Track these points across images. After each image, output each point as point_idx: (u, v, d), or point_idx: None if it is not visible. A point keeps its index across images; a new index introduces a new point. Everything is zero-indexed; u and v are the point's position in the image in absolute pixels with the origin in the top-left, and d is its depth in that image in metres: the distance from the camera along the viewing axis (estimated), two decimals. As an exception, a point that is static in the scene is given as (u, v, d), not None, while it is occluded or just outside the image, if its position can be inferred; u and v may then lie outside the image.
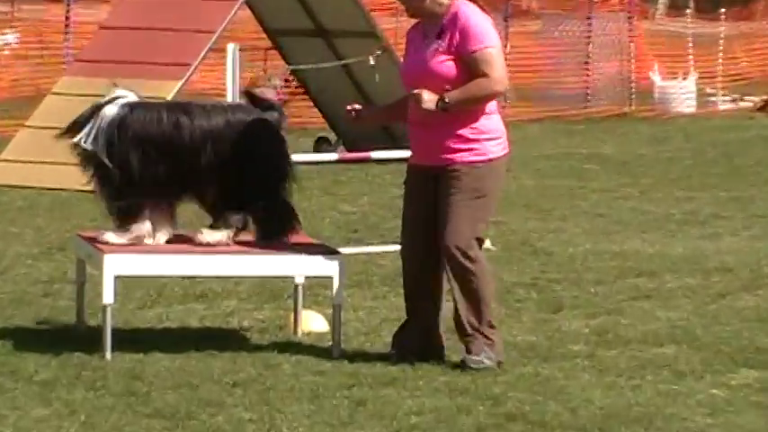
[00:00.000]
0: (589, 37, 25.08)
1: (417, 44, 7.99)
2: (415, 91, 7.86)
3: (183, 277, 9.59)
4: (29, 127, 15.43)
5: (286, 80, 19.82)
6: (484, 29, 7.83)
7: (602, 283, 10.70)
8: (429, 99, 7.76)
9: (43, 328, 8.96)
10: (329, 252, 8.41)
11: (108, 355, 8.02)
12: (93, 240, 8.41)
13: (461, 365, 7.85)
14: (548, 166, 17.87)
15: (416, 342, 8.01)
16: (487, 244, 10.63)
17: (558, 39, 25.91)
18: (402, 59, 8.63)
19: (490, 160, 7.93)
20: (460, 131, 7.89)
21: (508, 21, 24.82)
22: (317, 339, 8.62)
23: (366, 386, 7.59)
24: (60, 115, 13.73)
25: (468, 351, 7.81)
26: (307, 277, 8.70)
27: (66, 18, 22.17)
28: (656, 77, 25.92)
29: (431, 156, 7.98)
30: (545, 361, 8.22)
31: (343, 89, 14.31)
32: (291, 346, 8.42)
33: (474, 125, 7.90)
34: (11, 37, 24.10)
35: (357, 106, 8.48)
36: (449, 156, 7.89)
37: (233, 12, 15.68)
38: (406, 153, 10.44)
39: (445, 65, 7.85)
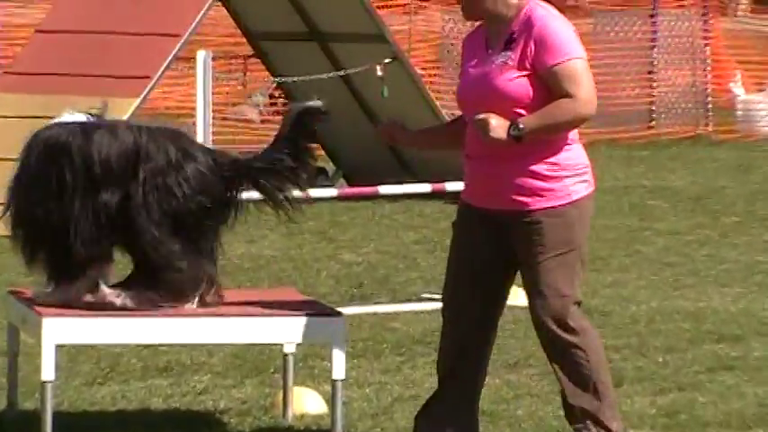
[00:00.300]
0: (654, 40, 25.20)
1: (479, 56, 7.88)
2: (480, 116, 7.67)
3: (143, 346, 9.55)
4: None
5: (271, 96, 19.98)
6: (566, 37, 7.72)
7: (673, 350, 10.69)
8: (498, 126, 7.60)
9: None
10: (326, 313, 8.28)
11: None
12: (28, 300, 8.28)
13: None
14: (603, 203, 17.72)
15: (446, 423, 7.96)
16: (523, 299, 10.98)
17: (615, 41, 25.94)
18: (460, 74, 8.31)
19: (576, 202, 7.85)
20: (536, 167, 7.77)
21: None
22: (312, 423, 8.48)
23: None
24: None
25: (576, 417, 7.88)
26: (298, 345, 8.59)
27: None
28: (739, 90, 25.97)
29: (497, 199, 7.86)
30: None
31: (342, 106, 14.19)
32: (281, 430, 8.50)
33: (553, 159, 7.78)
34: None
35: (394, 123, 8.41)
36: (523, 199, 7.79)
37: (204, 10, 15.67)
38: (421, 187, 10.40)
39: (517, 82, 7.75)
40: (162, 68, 15.49)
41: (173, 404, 9.06)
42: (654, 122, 24.40)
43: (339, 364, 8.00)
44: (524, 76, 7.65)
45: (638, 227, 16.57)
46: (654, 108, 24.91)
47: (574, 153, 7.73)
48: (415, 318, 11.81)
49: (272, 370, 9.41)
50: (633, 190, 19.58)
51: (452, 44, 24.05)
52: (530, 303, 7.78)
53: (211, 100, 12.24)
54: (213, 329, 8.20)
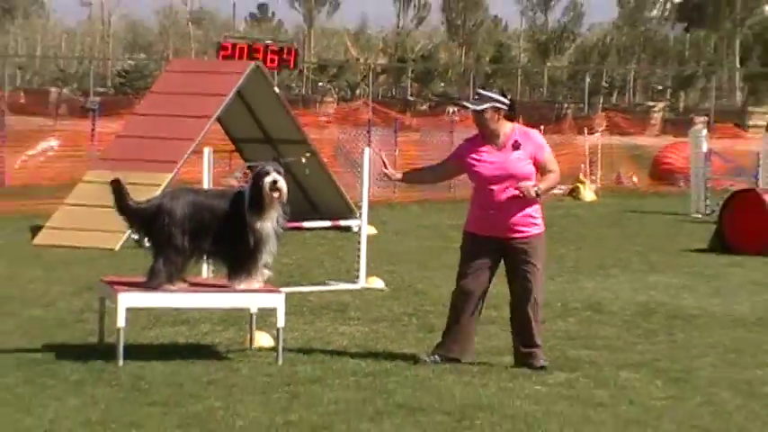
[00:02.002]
0: (452, 143, 28.51)
1: (487, 150, 9.90)
2: (522, 185, 9.76)
3: (173, 308, 11.21)
4: (67, 204, 18.65)
5: (245, 173, 21.99)
6: (544, 141, 10.15)
7: None
8: (532, 188, 9.78)
9: (76, 343, 10.68)
10: (274, 291, 10.23)
11: (120, 362, 9.67)
12: (110, 283, 10.24)
13: (528, 365, 9.86)
14: (424, 233, 21.17)
15: (459, 347, 10.00)
16: (381, 284, 13.94)
17: (431, 144, 30.24)
18: (470, 155, 10.06)
19: (543, 231, 10.13)
20: (529, 211, 10.01)
21: (397, 132, 29.46)
22: (266, 352, 10.35)
23: (300, 384, 9.26)
24: (88, 197, 17.44)
25: (533, 357, 9.96)
26: (259, 308, 10.48)
27: (92, 129, 26.39)
28: None
29: (505, 230, 9.97)
30: (423, 365, 10.02)
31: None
32: (248, 356, 10.27)
33: (536, 206, 10.04)
34: (54, 143, 27.91)
35: (388, 172, 10.33)
36: (524, 229, 9.98)
37: (207, 126, 18.68)
38: (325, 222, 12.29)
39: (527, 167, 9.95)
40: (184, 157, 18.50)
41: (189, 341, 11.06)
42: (451, 190, 27.56)
43: (281, 318, 10.00)
44: (530, 163, 9.97)
45: (442, 246, 18.10)
46: (451, 182, 28.37)
47: (538, 205, 10.06)
48: (322, 295, 13.87)
49: (244, 322, 10.96)
50: (440, 226, 20.60)
51: (343, 146, 27.01)
52: (524, 286, 9.96)
53: (212, 175, 14.19)
54: (213, 299, 10.31)
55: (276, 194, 10.08)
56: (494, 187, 9.90)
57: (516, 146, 9.92)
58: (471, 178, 10.13)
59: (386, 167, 10.44)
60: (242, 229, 10.09)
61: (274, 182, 10.05)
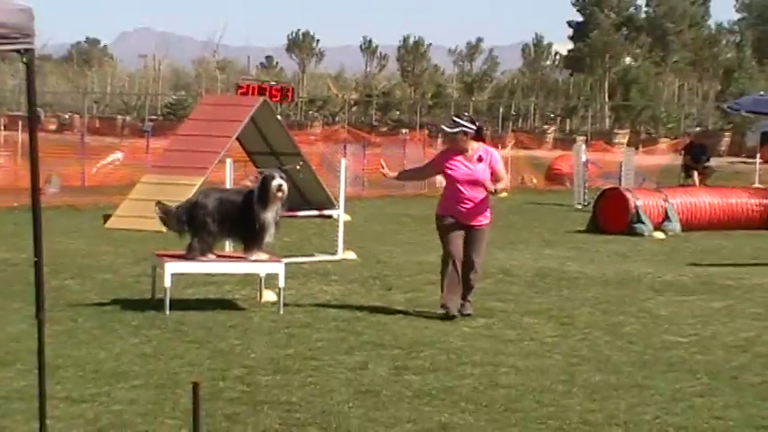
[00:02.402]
0: (404, 156, 29.55)
1: (461, 162, 9.88)
2: (487, 183, 9.80)
3: (205, 273, 11.23)
4: (129, 199, 18.49)
5: (256, 176, 19.45)
6: (500, 158, 10.27)
7: (412, 274, 12.72)
8: (490, 186, 9.84)
9: (135, 298, 10.72)
10: (276, 261, 10.42)
11: (167, 312, 9.79)
12: (160, 255, 10.33)
13: (461, 312, 9.80)
14: (385, 220, 20.94)
15: (456, 288, 9.81)
16: (354, 256, 13.83)
17: (389, 156, 28.74)
18: (447, 163, 10.00)
19: (489, 222, 10.19)
20: (483, 208, 10.08)
21: (365, 147, 29.20)
22: (271, 303, 10.51)
23: (295, 327, 9.41)
24: (145, 193, 17.28)
25: (465, 307, 9.94)
26: (266, 273, 10.57)
27: (147, 145, 26.61)
28: (438, 176, 30.26)
29: (472, 219, 9.97)
30: (384, 313, 10.10)
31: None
32: (258, 307, 10.38)
33: (488, 206, 10.13)
34: (119, 155, 27.94)
35: (385, 172, 10.36)
36: (483, 219, 10.06)
37: (229, 143, 18.55)
38: (313, 212, 12.21)
39: (487, 174, 9.98)
40: (213, 165, 18.31)
41: (216, 296, 11.10)
42: (405, 187, 27.32)
43: (281, 280, 10.11)
44: (490, 171, 9.99)
45: (398, 229, 18.84)
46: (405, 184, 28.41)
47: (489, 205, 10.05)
48: (311, 264, 13.71)
49: (256, 283, 10.93)
50: (399, 215, 22.17)
51: (327, 158, 26.57)
52: (474, 254, 9.93)
53: (232, 178, 14.24)
54: (233, 267, 10.60)
55: (280, 194, 10.12)
56: (463, 187, 9.92)
57: (480, 159, 9.96)
58: (447, 180, 10.10)
59: (383, 168, 10.55)
60: (253, 217, 10.11)
61: (280, 185, 10.09)
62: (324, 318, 9.96)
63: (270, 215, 10.13)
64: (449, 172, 10.01)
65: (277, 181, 10.09)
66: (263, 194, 10.12)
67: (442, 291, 10.07)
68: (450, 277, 9.98)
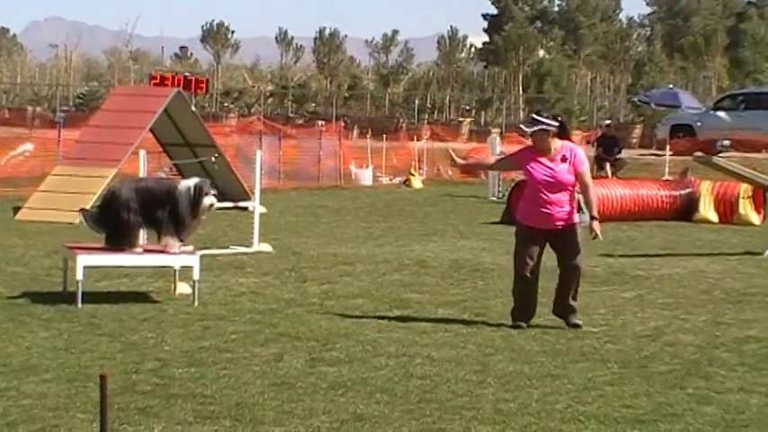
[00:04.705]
0: (320, 148, 30.02)
1: (545, 162, 9.12)
2: (594, 226, 9.10)
3: (118, 266, 11.02)
4: (41, 191, 18.32)
5: (170, 169, 21.56)
6: (585, 158, 9.41)
7: (327, 266, 12.91)
8: (594, 228, 9.16)
9: (46, 291, 10.63)
10: (192, 253, 10.38)
11: (79, 305, 9.72)
12: (72, 248, 10.21)
13: (567, 322, 9.17)
14: (300, 212, 21.06)
15: (530, 313, 9.24)
16: (269, 248, 13.87)
17: (304, 148, 30.63)
18: (529, 161, 9.24)
19: (578, 221, 9.39)
20: (568, 208, 9.27)
21: (281, 140, 29.36)
22: (185, 296, 10.47)
23: (210, 320, 9.33)
24: (55, 185, 17.26)
25: (573, 312, 9.28)
26: (180, 266, 10.50)
27: (59, 136, 25.93)
28: (353, 168, 30.52)
29: (556, 222, 9.17)
30: (329, 300, 10.38)
31: (200, 173, 15.57)
32: (173, 300, 10.35)
33: (573, 205, 9.33)
34: (30, 146, 27.81)
35: (454, 158, 9.93)
36: (569, 219, 9.26)
37: (142, 134, 18.59)
38: (228, 204, 12.02)
39: (570, 176, 9.22)
40: (125, 157, 18.29)
41: (129, 289, 11.01)
42: (320, 180, 29.51)
43: (196, 273, 10.11)
44: (573, 173, 9.24)
45: (313, 221, 19.21)
46: (320, 174, 29.77)
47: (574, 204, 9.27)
48: (227, 256, 13.78)
49: (170, 276, 10.89)
50: (313, 206, 22.45)
51: (244, 150, 26.41)
52: (572, 257, 9.16)
53: (146, 170, 14.00)
54: (148, 259, 10.41)
55: (209, 210, 10.20)
56: (544, 190, 9.17)
57: (564, 159, 9.23)
58: (528, 179, 9.41)
59: (453, 156, 10.30)
60: (176, 215, 10.04)
61: (212, 204, 10.11)
62: (239, 310, 9.89)
63: (197, 222, 10.19)
64: (529, 172, 9.30)
65: (210, 199, 10.04)
66: (195, 205, 10.06)
67: (515, 308, 9.42)
68: (523, 297, 9.32)
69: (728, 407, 6.86)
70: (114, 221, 10.01)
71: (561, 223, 9.19)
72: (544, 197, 9.12)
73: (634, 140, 51.72)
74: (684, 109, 41.56)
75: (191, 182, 10.35)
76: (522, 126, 9.61)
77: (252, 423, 6.20)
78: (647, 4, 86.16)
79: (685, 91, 52.36)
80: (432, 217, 20.45)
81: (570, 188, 9.18)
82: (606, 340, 8.98)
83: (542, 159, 9.18)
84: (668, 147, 34.19)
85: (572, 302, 9.33)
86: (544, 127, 9.18)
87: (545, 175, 9.15)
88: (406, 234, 17.27)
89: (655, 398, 7.03)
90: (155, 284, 11.27)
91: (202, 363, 7.71)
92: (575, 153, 9.27)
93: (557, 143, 9.23)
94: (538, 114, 9.39)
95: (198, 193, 10.07)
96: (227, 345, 8.35)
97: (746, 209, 20.59)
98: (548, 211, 9.15)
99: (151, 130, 20.09)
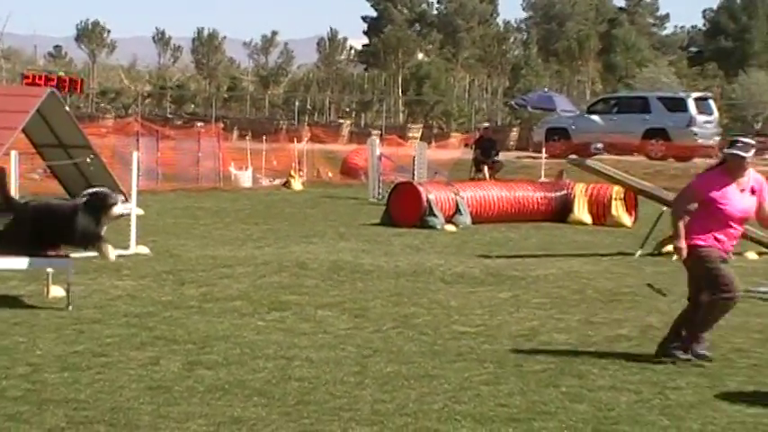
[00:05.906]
0: (199, 149, 29.80)
1: (737, 193, 8.18)
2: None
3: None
4: None
5: (44, 170, 20.77)
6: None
7: (206, 268, 12.94)
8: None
9: None
10: (66, 257, 10.40)
11: None
12: None
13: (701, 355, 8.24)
14: (178, 213, 20.91)
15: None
16: (147, 250, 13.66)
17: (183, 149, 30.45)
18: (717, 194, 8.15)
19: None
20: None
21: (158, 141, 29.13)
22: (59, 299, 10.39)
23: (85, 323, 9.19)
24: None
25: (700, 346, 8.32)
26: (54, 268, 10.46)
27: None
28: (233, 169, 30.62)
29: (728, 253, 8.36)
30: (207, 302, 10.17)
31: (74, 175, 15.51)
32: (45, 304, 10.25)
33: None
34: None
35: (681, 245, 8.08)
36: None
37: (14, 135, 16.89)
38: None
39: (755, 207, 8.34)
40: None
41: (2, 292, 10.72)
42: (200, 181, 28.86)
43: (70, 276, 10.10)
44: (757, 205, 8.32)
45: (192, 222, 19.09)
46: (199, 175, 29.51)
47: None
48: (97, 260, 12.24)
49: (43, 278, 10.76)
50: (191, 207, 22.44)
51: (121, 151, 25.78)
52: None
53: (18, 172, 14.29)
54: (21, 262, 10.16)
55: (116, 219, 10.31)
56: (736, 224, 8.31)
57: (753, 191, 8.31)
58: (714, 213, 8.25)
59: (680, 244, 8.25)
60: (73, 226, 10.06)
61: (121, 214, 10.29)
62: (114, 313, 9.84)
63: (101, 230, 10.19)
64: (721, 207, 8.22)
65: (119, 209, 10.16)
66: (100, 214, 10.13)
67: (696, 336, 8.38)
68: (709, 322, 8.37)
69: (600, 404, 7.00)
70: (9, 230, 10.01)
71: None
72: (734, 231, 8.34)
73: (511, 143, 52.58)
74: (559, 112, 42.49)
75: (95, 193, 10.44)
76: (735, 152, 8.27)
77: (127, 428, 6.21)
78: (524, 9, 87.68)
79: (560, 94, 53.42)
80: (312, 219, 20.51)
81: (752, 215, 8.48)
82: (483, 340, 9.10)
83: (731, 190, 8.23)
84: (544, 149, 34.84)
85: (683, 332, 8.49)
86: (754, 150, 8.27)
87: (742, 209, 8.28)
88: (285, 236, 17.25)
89: (529, 396, 7.16)
90: (27, 288, 11.12)
91: (76, 367, 7.60)
92: (761, 184, 8.41)
93: (749, 171, 8.35)
94: (743, 136, 8.64)
95: (105, 201, 10.18)
96: (101, 348, 8.26)
97: (619, 210, 21.08)
98: (732, 244, 8.43)
99: (24, 131, 19.56)
